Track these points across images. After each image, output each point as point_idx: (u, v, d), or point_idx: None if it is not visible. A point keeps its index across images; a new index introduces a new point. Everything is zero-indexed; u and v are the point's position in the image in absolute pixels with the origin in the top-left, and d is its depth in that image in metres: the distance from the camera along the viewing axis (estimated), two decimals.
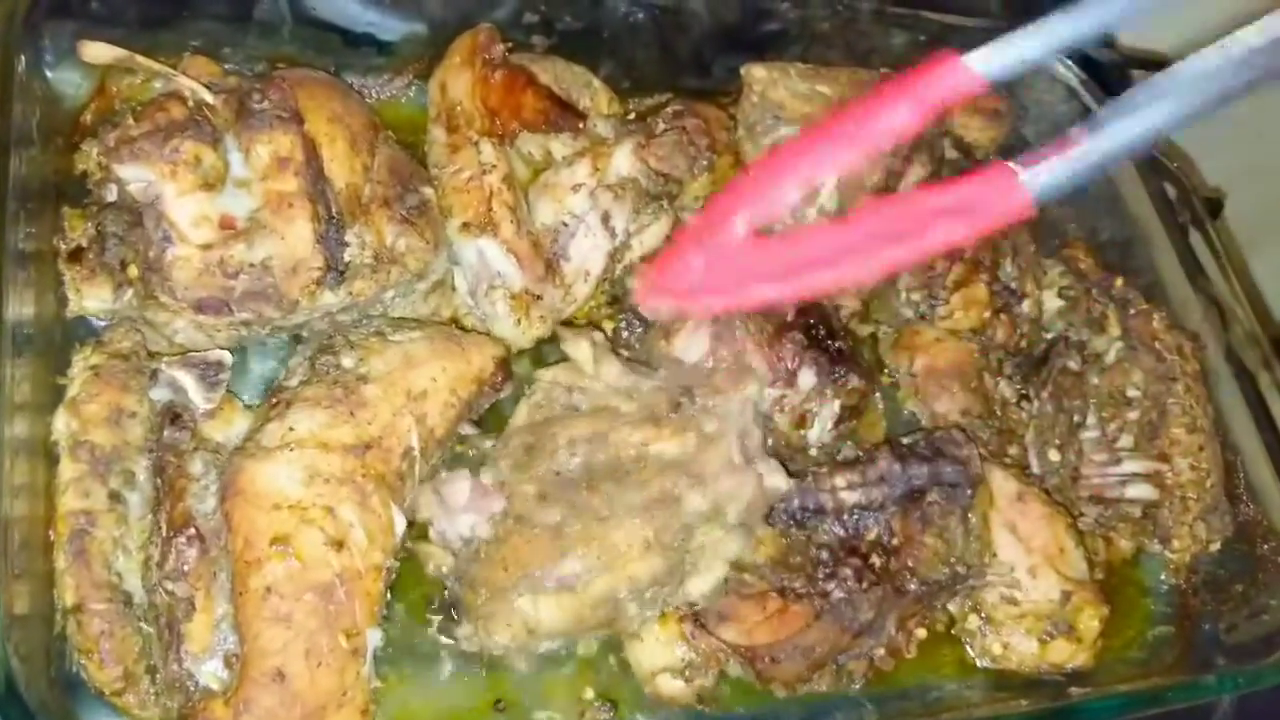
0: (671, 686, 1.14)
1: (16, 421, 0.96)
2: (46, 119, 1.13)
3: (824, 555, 1.17)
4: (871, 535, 1.20)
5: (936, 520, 1.23)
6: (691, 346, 1.21)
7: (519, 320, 1.23)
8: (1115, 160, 0.93)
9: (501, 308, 1.23)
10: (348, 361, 1.09)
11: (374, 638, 1.02)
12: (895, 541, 1.20)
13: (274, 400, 1.07)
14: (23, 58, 1.10)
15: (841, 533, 1.19)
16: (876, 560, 1.18)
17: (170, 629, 0.96)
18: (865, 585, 1.16)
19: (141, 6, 1.21)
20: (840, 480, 1.20)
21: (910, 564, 1.20)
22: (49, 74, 1.18)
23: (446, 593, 1.13)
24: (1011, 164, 0.95)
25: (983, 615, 1.31)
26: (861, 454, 1.25)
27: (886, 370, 1.45)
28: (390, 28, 1.34)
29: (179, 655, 0.95)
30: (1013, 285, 1.47)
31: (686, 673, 1.14)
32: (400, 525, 1.06)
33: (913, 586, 1.19)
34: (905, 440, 1.29)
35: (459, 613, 1.10)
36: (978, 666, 1.31)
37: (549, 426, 1.14)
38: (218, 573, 0.98)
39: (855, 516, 1.20)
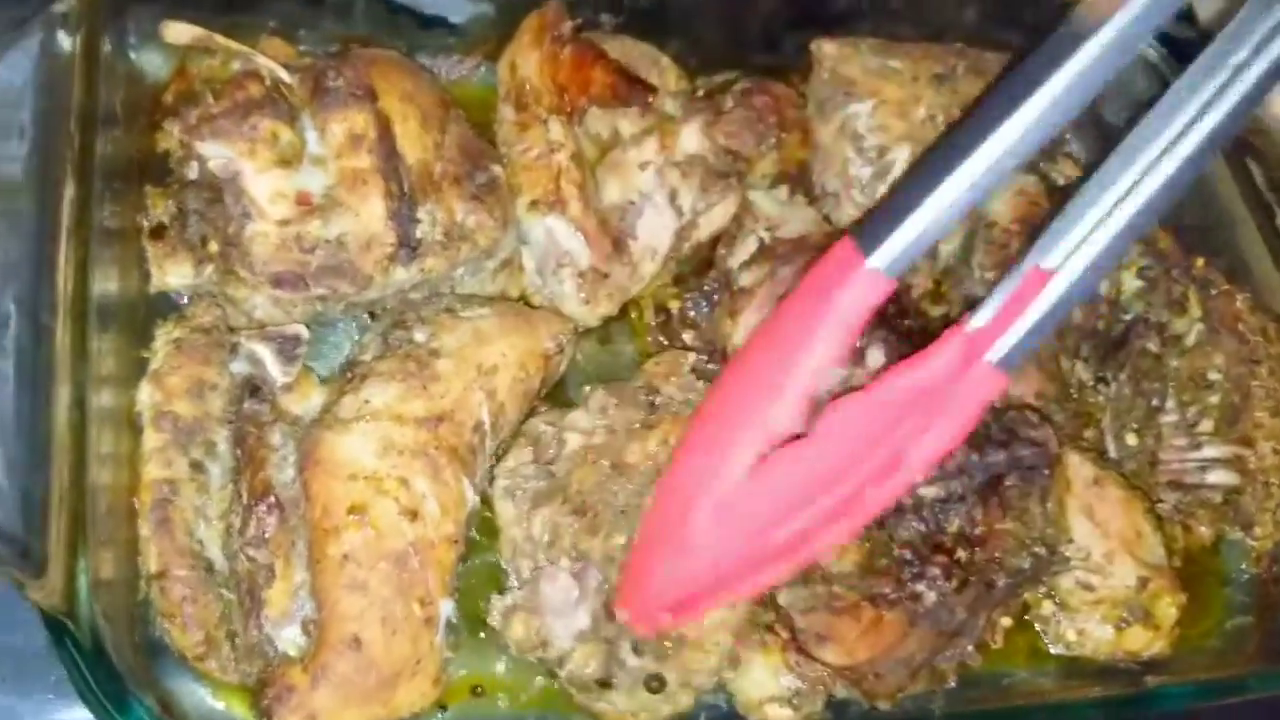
0: (780, 715, 1.13)
1: (102, 393, 0.99)
2: (130, 99, 1.16)
3: (908, 554, 1.15)
4: (953, 527, 1.17)
5: (1015, 503, 1.21)
6: (758, 324, 1.20)
7: (587, 299, 1.24)
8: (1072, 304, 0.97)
9: (569, 286, 1.24)
10: (420, 336, 1.10)
11: (446, 608, 1.03)
12: (978, 531, 1.18)
13: (349, 374, 1.09)
14: (107, 39, 1.12)
15: (923, 528, 1.17)
16: (962, 554, 1.16)
17: (250, 595, 0.98)
18: (956, 584, 1.14)
19: None
20: None
21: (996, 555, 1.18)
22: (132, 55, 1.21)
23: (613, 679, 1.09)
24: (968, 331, 0.98)
25: (1057, 601, 1.29)
26: None
27: None
28: (460, 9, 1.35)
29: (259, 621, 0.98)
30: None
31: (794, 700, 1.13)
32: (471, 498, 1.07)
33: (1001, 581, 1.17)
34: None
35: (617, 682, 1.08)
36: (1051, 653, 1.29)
37: (568, 488, 1.11)
38: (296, 541, 1.00)
39: (935, 510, 1.18)
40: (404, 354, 1.08)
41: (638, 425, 1.14)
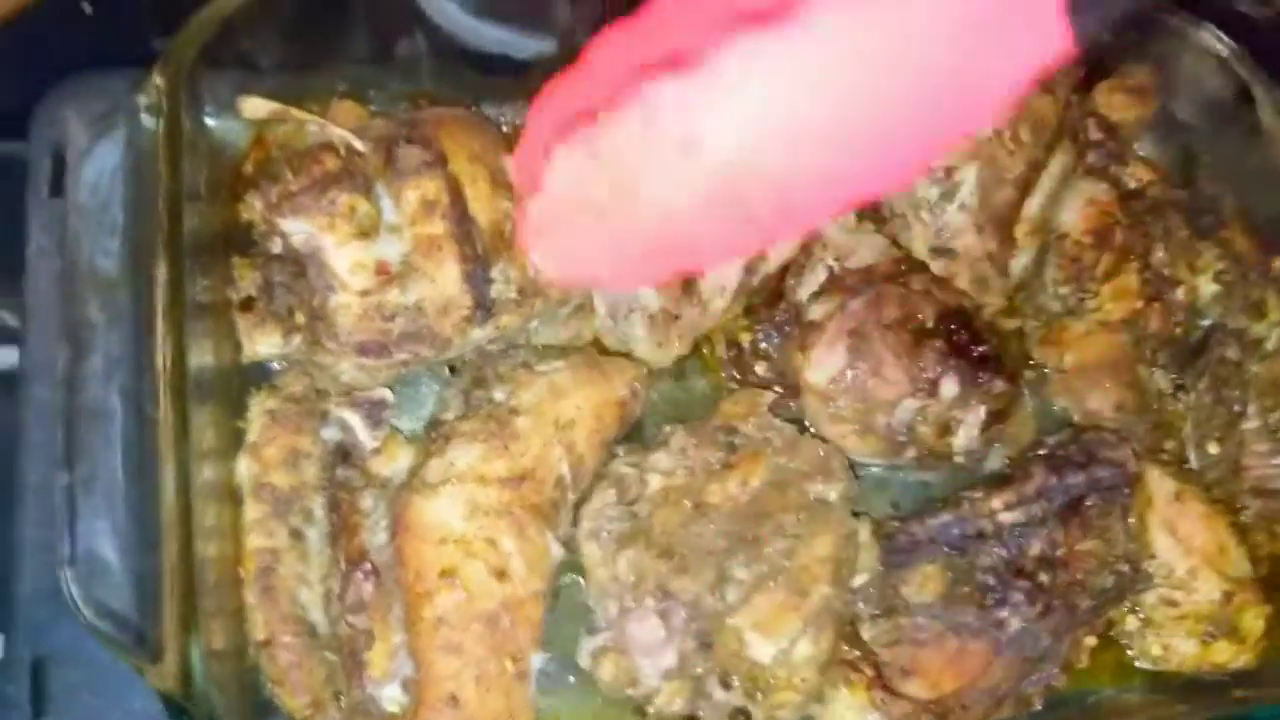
0: None
1: (204, 468, 1.04)
2: (212, 173, 1.20)
3: (990, 580, 1.17)
4: (1034, 551, 1.19)
5: (1096, 522, 1.22)
6: (829, 360, 1.22)
7: (659, 341, 1.26)
8: None
9: (640, 329, 1.26)
10: (499, 395, 1.14)
11: (537, 661, 1.08)
12: (1060, 553, 1.19)
13: (434, 434, 1.14)
14: (187, 118, 1.16)
15: (1004, 554, 1.18)
16: (1044, 577, 1.17)
17: (353, 658, 1.03)
18: (1040, 609, 1.15)
19: (291, 54, 1.26)
20: (997, 502, 1.19)
21: (1079, 577, 1.18)
22: (210, 125, 1.25)
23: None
24: None
25: (1141, 616, 1.29)
26: (1014, 470, 1.24)
27: (1033, 364, 1.42)
28: (522, 46, 1.36)
29: (361, 682, 1.02)
30: (1165, 272, 1.42)
31: None
32: (556, 553, 1.11)
33: (1085, 603, 1.18)
34: (1053, 444, 1.27)
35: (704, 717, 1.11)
36: (1136, 668, 1.30)
37: (652, 530, 1.13)
38: (393, 603, 1.05)
39: (1016, 535, 1.19)
40: (485, 414, 1.12)
41: (717, 465, 1.17)
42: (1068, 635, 1.21)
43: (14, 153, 1.29)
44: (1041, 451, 1.27)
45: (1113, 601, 1.25)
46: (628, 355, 1.27)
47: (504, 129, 1.35)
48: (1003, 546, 1.20)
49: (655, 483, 1.17)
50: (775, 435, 1.20)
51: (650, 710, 1.12)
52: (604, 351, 1.27)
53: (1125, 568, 1.23)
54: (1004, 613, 1.16)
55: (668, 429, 1.22)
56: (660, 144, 0.74)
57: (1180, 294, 1.43)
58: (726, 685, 1.09)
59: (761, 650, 1.05)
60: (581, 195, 0.80)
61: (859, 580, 1.16)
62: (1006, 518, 1.21)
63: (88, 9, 1.57)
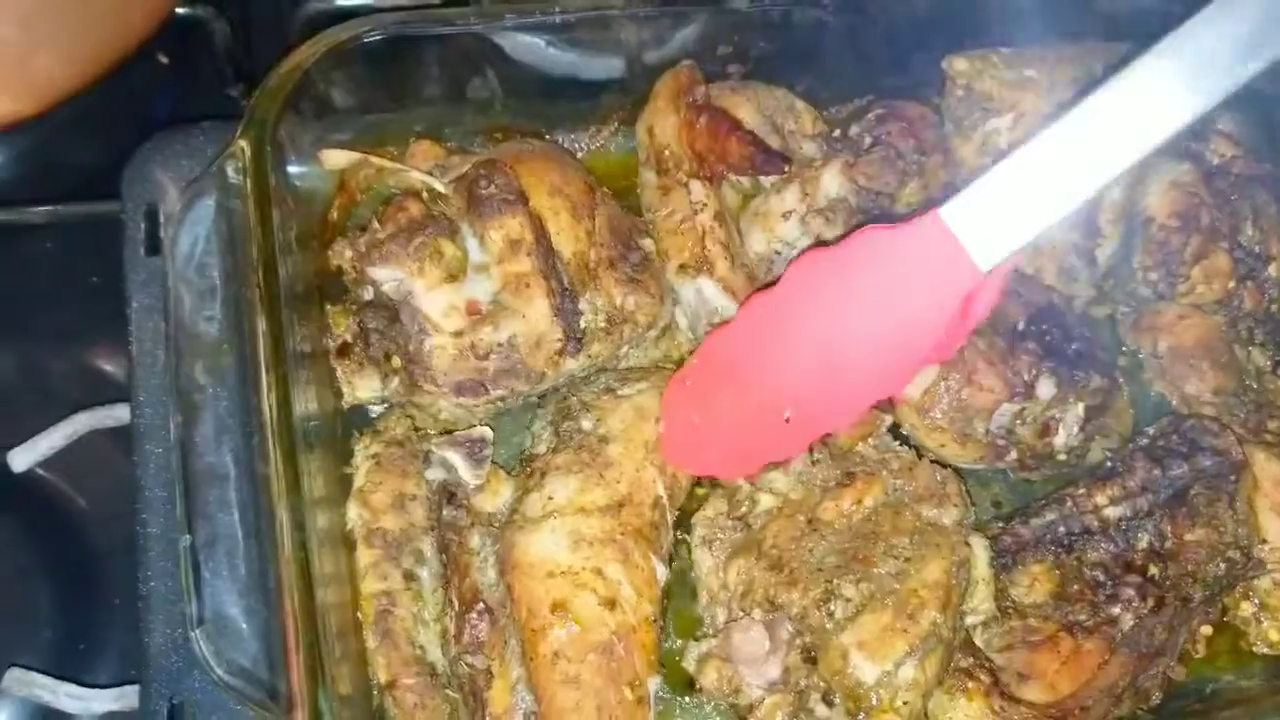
0: None
1: (316, 516, 1.06)
2: (300, 222, 1.22)
3: (1100, 576, 1.16)
4: (1143, 544, 1.17)
5: (1204, 510, 1.20)
6: (922, 373, 1.21)
7: None
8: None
9: None
10: (587, 424, 1.15)
11: (654, 684, 1.09)
12: (1169, 545, 1.17)
13: (529, 470, 1.15)
14: (272, 175, 1.18)
15: (1112, 549, 1.17)
16: (1154, 570, 1.16)
17: (474, 696, 1.05)
18: (1152, 604, 1.14)
19: (368, 100, 1.28)
20: (1101, 498, 1.18)
21: (1190, 568, 1.17)
22: (295, 177, 1.27)
23: None
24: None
25: (1256, 601, 1.27)
26: (1117, 464, 1.22)
27: (1126, 350, 1.40)
28: (590, 67, 1.36)
29: (485, 718, 1.04)
30: (1256, 249, 1.39)
31: None
32: (662, 574, 1.12)
33: (1198, 594, 1.17)
34: (1153, 434, 1.26)
35: None
36: (1255, 654, 1.28)
37: (763, 542, 1.14)
38: (509, 639, 1.07)
39: (1123, 529, 1.18)
40: (576, 444, 1.13)
41: (833, 484, 1.17)
42: (1183, 627, 1.19)
43: (109, 213, 1.33)
44: (1143, 443, 1.25)
45: (1227, 589, 1.23)
46: None
47: (578, 155, 1.37)
48: (1110, 542, 1.18)
49: (768, 500, 1.18)
50: (893, 457, 1.20)
51: None
52: None
53: (1236, 554, 1.21)
54: (1116, 609, 1.15)
55: None
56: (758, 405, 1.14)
57: (1273, 270, 1.40)
58: (829, 702, 1.08)
59: (866, 671, 1.05)
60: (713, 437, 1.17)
61: (976, 617, 1.16)
62: (1112, 513, 1.19)
63: (164, 60, 1.61)
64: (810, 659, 1.09)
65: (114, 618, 1.30)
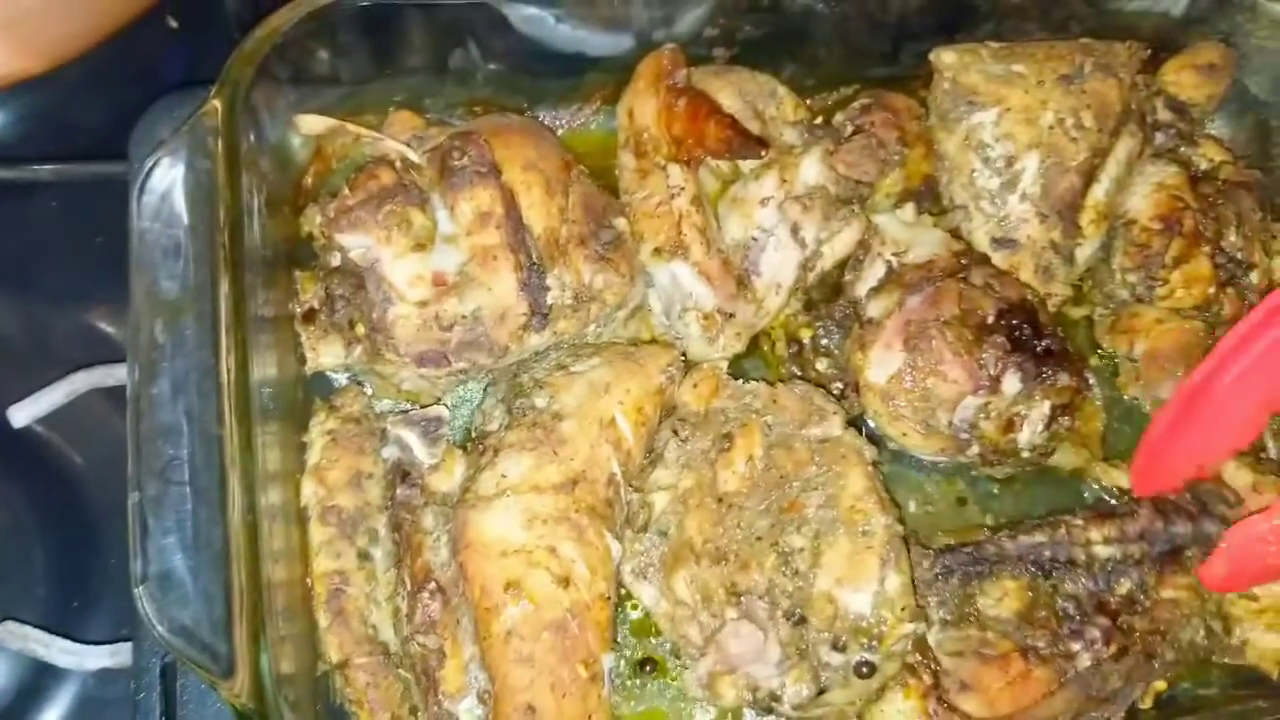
0: None
1: (270, 489, 1.05)
2: (274, 187, 1.21)
3: (1070, 608, 1.15)
4: (1123, 590, 1.17)
5: (1194, 572, 1.20)
6: (887, 358, 1.20)
7: (713, 339, 1.26)
8: None
9: (695, 328, 1.26)
10: (540, 401, 1.14)
11: (608, 661, 1.08)
12: (1149, 598, 1.17)
13: (481, 448, 1.14)
14: (245, 138, 1.17)
15: (1091, 585, 1.16)
16: (1126, 619, 1.15)
17: (427, 675, 1.05)
18: (1114, 650, 1.13)
19: (349, 67, 1.27)
20: (1096, 534, 1.17)
21: (1163, 626, 1.16)
22: (271, 141, 1.26)
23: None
24: None
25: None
26: (1120, 505, 1.22)
27: (1101, 353, 1.39)
28: (596, 44, 1.34)
29: (437, 698, 1.04)
30: (1238, 255, 1.37)
31: None
32: (616, 549, 1.11)
33: (1168, 655, 1.16)
34: None
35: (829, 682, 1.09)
36: (1212, 661, 1.26)
37: (693, 546, 1.12)
38: (461, 619, 1.06)
39: (1108, 569, 1.17)
40: (530, 422, 1.12)
41: (715, 453, 1.15)
42: (1140, 684, 1.18)
43: (115, 173, 1.31)
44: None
45: (1199, 661, 1.22)
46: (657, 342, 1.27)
47: (558, 132, 1.36)
48: (1091, 579, 1.17)
49: (661, 499, 1.16)
50: (751, 398, 1.19)
51: (783, 708, 1.09)
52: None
53: (1219, 625, 1.21)
54: (1077, 645, 1.13)
55: (659, 442, 1.20)
56: None
57: (1254, 277, 1.38)
58: (839, 647, 1.06)
59: (858, 601, 1.04)
60: None
61: None
62: (1102, 551, 1.18)
63: (173, 23, 1.60)
64: (800, 620, 1.07)
65: (108, 576, 1.29)
